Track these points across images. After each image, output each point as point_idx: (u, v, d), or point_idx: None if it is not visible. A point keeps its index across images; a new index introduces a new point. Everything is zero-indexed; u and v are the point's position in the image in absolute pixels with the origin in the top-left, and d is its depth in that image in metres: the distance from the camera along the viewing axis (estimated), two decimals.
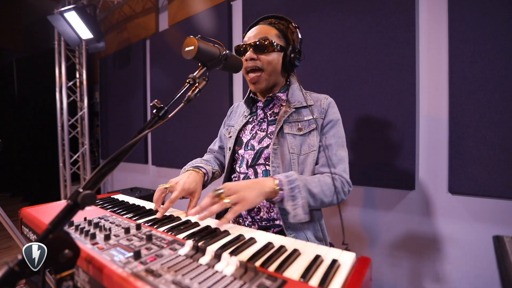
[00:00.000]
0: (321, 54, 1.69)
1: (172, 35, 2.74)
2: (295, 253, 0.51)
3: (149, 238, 0.57)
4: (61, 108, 3.51)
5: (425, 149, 1.42)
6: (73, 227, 0.66)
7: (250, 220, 0.93)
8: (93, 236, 0.58)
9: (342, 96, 1.61)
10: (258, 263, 0.48)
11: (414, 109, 1.41)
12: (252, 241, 0.58)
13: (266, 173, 0.91)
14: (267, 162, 0.92)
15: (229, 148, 1.01)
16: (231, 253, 0.51)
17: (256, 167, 0.93)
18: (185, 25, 2.60)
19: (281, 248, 0.54)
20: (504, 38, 1.18)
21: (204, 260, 0.47)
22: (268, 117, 0.98)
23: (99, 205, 0.89)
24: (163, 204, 0.81)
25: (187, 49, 0.66)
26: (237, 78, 2.26)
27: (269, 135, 0.94)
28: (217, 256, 0.47)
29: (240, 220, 0.96)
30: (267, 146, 0.92)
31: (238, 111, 1.12)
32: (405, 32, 1.41)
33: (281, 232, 0.88)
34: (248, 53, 0.91)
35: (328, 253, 0.51)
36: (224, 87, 2.28)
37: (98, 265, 0.47)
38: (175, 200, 0.81)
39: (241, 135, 1.01)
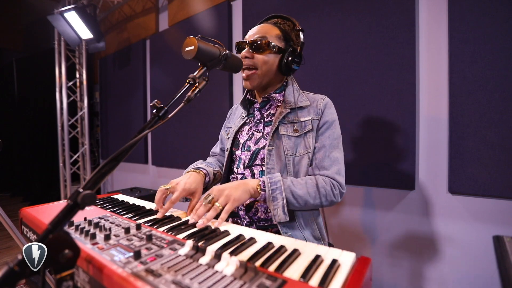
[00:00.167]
0: (321, 54, 1.69)
1: (172, 35, 2.74)
2: (295, 253, 0.51)
3: (149, 238, 0.57)
4: (61, 108, 3.51)
5: (425, 149, 1.42)
6: (73, 227, 0.66)
7: (248, 220, 0.93)
8: (93, 236, 0.58)
9: (342, 96, 1.61)
10: (258, 263, 0.48)
11: (414, 109, 1.41)
12: (252, 241, 0.58)
13: (263, 174, 0.92)
14: (263, 163, 0.92)
15: (227, 149, 1.02)
16: (231, 253, 0.51)
17: (253, 167, 0.94)
18: (185, 25, 2.60)
19: (281, 248, 0.54)
20: (504, 38, 1.18)
21: (204, 260, 0.47)
22: (265, 118, 0.98)
23: (99, 205, 0.89)
24: (163, 205, 0.81)
25: (187, 49, 0.66)
26: (237, 78, 2.26)
27: (265, 136, 0.94)
28: (217, 256, 0.47)
29: (238, 221, 0.96)
30: (263, 147, 0.92)
31: (237, 113, 1.12)
32: (405, 32, 1.41)
33: (278, 232, 0.89)
34: (244, 50, 0.91)
35: (328, 253, 0.51)
36: (224, 87, 2.28)
37: (98, 265, 0.47)
38: (176, 200, 0.81)
39: (238, 136, 1.01)
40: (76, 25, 2.95)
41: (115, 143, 3.62)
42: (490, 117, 1.22)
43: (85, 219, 0.71)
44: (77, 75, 3.62)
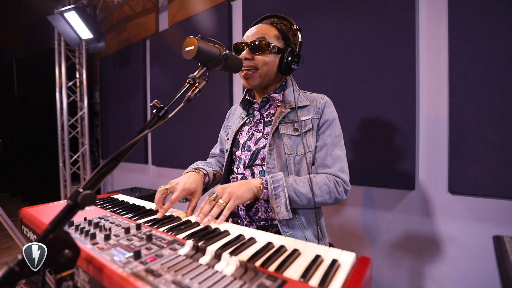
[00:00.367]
0: (321, 54, 1.69)
1: (172, 35, 2.74)
2: (295, 253, 0.51)
3: (149, 238, 0.57)
4: (61, 108, 3.51)
5: (425, 149, 1.42)
6: (73, 227, 0.66)
7: (248, 220, 0.93)
8: (93, 236, 0.58)
9: (342, 96, 1.61)
10: (258, 263, 0.48)
11: (414, 109, 1.41)
12: (252, 241, 0.58)
13: (263, 174, 0.92)
14: (263, 163, 0.92)
15: (227, 149, 1.03)
16: (231, 253, 0.51)
17: (253, 167, 0.94)
18: (185, 25, 2.60)
19: (281, 248, 0.54)
20: (504, 38, 1.18)
21: (204, 260, 0.47)
22: (265, 118, 0.98)
23: (99, 205, 0.89)
24: (163, 205, 0.81)
25: (187, 49, 0.66)
26: (237, 78, 2.26)
27: (265, 135, 0.94)
28: (217, 256, 0.47)
29: (239, 221, 0.96)
30: (264, 147, 0.92)
31: (236, 113, 1.12)
32: (405, 32, 1.41)
33: (278, 232, 0.89)
34: (243, 52, 0.91)
35: (328, 253, 0.51)
36: (224, 87, 2.28)
37: (98, 265, 0.47)
38: (176, 200, 0.81)
39: (238, 137, 1.01)
40: (76, 25, 2.95)
41: (115, 143, 3.62)
42: (490, 117, 1.22)
43: (85, 219, 0.71)
44: (77, 75, 3.62)
